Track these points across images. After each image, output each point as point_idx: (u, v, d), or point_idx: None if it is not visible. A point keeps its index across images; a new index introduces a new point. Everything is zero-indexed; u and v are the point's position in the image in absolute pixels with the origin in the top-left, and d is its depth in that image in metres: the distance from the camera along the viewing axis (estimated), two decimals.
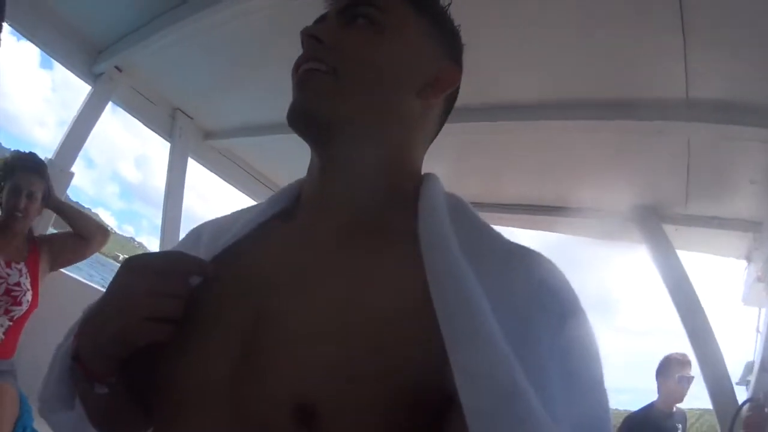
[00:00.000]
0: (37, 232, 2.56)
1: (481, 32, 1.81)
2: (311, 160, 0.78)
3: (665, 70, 1.96)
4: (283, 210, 0.78)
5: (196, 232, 0.82)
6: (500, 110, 2.26)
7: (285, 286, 0.63)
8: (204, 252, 0.72)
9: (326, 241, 0.68)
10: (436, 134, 0.81)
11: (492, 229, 0.68)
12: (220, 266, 0.65)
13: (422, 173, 0.77)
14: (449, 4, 0.81)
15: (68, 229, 2.58)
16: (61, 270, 2.82)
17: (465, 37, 0.81)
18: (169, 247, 3.01)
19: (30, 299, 2.34)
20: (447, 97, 0.78)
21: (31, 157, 2.48)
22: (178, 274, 0.61)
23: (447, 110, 0.81)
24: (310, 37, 0.72)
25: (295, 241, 0.70)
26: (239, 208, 0.88)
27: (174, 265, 0.62)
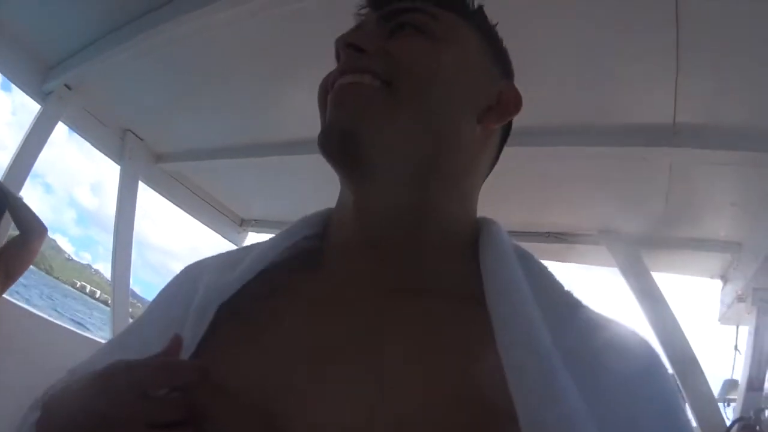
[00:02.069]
0: None
1: None
2: (343, 194, 0.62)
3: (655, 94, 1.92)
4: (302, 252, 0.63)
5: (191, 277, 0.64)
6: None
7: (317, 370, 0.49)
8: (200, 307, 0.56)
9: (368, 304, 0.54)
10: (491, 170, 0.69)
11: (571, 294, 0.57)
12: (222, 337, 0.53)
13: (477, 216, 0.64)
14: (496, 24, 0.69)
15: None
16: (12, 300, 2.64)
17: None
18: (122, 274, 2.83)
19: None
20: (504, 126, 0.67)
21: None
22: (171, 392, 0.48)
23: (503, 141, 0.69)
24: (349, 45, 0.58)
25: (325, 305, 0.55)
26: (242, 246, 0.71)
27: (166, 380, 0.48)
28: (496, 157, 0.69)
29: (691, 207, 2.43)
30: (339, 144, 0.56)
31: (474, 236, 0.60)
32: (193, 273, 0.65)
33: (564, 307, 0.54)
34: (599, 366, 0.48)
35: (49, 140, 2.89)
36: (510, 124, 0.69)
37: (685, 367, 2.48)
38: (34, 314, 2.83)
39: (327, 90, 0.60)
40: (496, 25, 0.69)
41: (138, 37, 2.33)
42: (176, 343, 0.50)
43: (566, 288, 0.57)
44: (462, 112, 0.60)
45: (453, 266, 0.58)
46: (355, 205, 0.59)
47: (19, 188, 2.71)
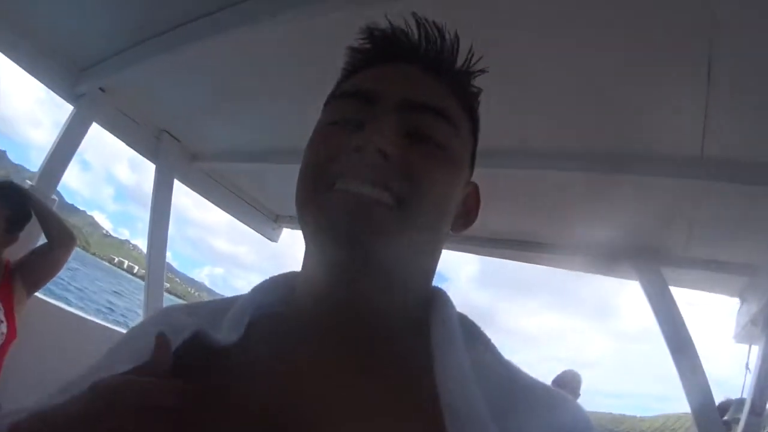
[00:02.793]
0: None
1: (508, 73, 1.79)
2: (313, 268, 0.64)
3: (684, 126, 1.93)
4: (271, 315, 0.65)
5: (170, 320, 0.64)
6: (517, 156, 2.21)
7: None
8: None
9: (326, 381, 0.57)
10: None
11: (510, 362, 0.63)
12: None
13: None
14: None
15: None
16: (43, 298, 2.71)
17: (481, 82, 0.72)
18: (156, 271, 2.89)
19: (5, 331, 2.20)
20: None
21: None
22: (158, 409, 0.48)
23: None
24: (379, 152, 0.58)
25: (292, 371, 0.58)
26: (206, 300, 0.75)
27: (153, 399, 0.49)
28: None
29: (713, 231, 2.45)
30: (351, 252, 0.58)
31: (427, 312, 0.64)
32: (172, 315, 0.67)
33: (504, 378, 0.60)
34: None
35: None
36: None
37: (694, 386, 2.52)
38: (66, 311, 2.90)
39: (332, 156, 0.61)
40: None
41: (172, 50, 2.35)
42: (162, 342, 0.53)
43: (505, 359, 0.63)
44: (448, 224, 0.67)
45: (409, 346, 0.61)
46: (332, 287, 0.61)
47: (52, 191, 2.75)
